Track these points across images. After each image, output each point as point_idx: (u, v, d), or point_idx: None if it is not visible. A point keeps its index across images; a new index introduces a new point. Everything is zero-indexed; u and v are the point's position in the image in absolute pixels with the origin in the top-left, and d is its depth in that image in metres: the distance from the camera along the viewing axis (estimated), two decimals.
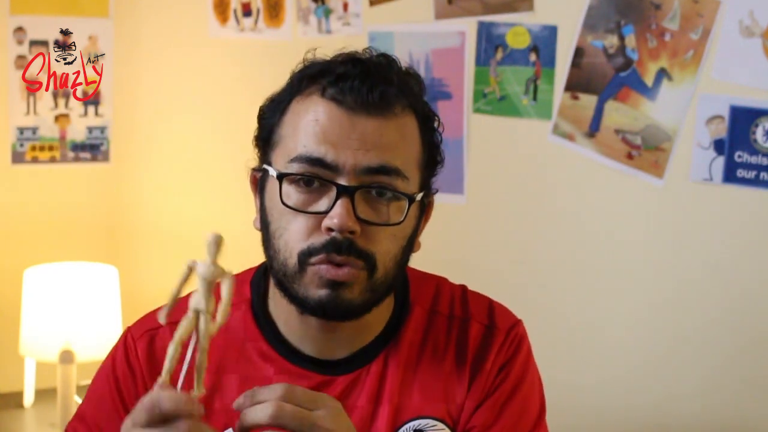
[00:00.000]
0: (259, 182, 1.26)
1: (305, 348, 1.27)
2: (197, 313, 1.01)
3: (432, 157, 1.28)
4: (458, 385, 1.29)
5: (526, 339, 1.35)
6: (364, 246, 1.18)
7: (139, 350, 1.28)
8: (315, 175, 1.18)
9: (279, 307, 1.27)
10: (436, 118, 1.29)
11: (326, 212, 1.17)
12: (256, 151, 1.28)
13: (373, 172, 1.18)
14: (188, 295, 1.34)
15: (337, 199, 1.17)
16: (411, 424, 1.26)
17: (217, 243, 0.99)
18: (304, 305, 1.20)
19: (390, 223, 1.20)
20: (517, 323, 1.35)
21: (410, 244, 1.26)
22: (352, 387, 1.26)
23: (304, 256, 1.18)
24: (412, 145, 1.23)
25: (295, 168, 1.19)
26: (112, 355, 1.31)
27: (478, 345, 1.31)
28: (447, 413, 1.28)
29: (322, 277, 1.17)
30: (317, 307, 1.19)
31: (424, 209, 1.29)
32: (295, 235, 1.18)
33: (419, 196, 1.23)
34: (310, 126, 1.19)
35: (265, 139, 1.25)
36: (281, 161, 1.21)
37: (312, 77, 1.22)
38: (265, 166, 1.24)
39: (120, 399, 1.27)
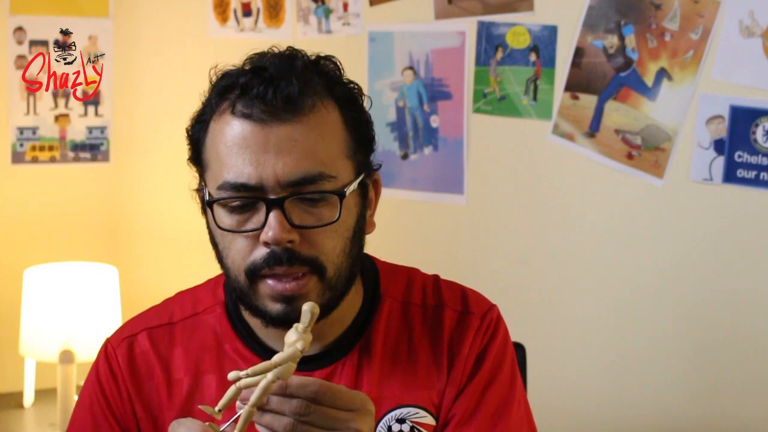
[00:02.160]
0: (201, 202, 1.28)
1: (278, 346, 1.28)
2: (276, 379, 1.04)
3: (363, 137, 1.27)
4: (437, 373, 1.30)
5: (502, 322, 1.36)
6: (306, 252, 1.19)
7: (120, 357, 1.31)
8: (242, 197, 1.20)
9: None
10: (360, 93, 1.28)
11: (262, 228, 1.19)
12: (193, 170, 1.29)
13: (296, 184, 1.19)
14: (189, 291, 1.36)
15: (268, 213, 1.18)
16: (393, 413, 1.28)
17: (312, 313, 1.06)
18: (264, 319, 1.22)
19: (325, 223, 1.20)
20: (491, 307, 1.36)
21: (359, 232, 1.26)
22: (330, 380, 1.27)
23: (251, 273, 1.20)
24: (333, 138, 1.22)
25: (223, 195, 1.20)
26: (96, 367, 1.33)
27: (453, 331, 1.32)
28: (429, 400, 1.29)
29: (272, 294, 1.20)
30: (278, 321, 1.21)
31: (367, 189, 1.29)
32: (238, 254, 1.21)
33: (353, 186, 1.23)
34: (228, 147, 1.20)
35: (196, 160, 1.27)
36: (211, 185, 1.23)
37: (221, 93, 1.23)
38: (203, 187, 1.26)
39: (108, 407, 1.30)
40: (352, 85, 1.27)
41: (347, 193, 1.22)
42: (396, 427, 1.27)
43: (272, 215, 1.18)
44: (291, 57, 1.24)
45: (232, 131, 1.20)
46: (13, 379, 2.68)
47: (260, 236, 1.19)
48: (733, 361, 2.23)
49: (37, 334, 2.48)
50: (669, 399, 2.29)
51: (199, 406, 1.11)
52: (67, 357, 2.44)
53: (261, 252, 1.19)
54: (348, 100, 1.26)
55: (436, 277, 1.38)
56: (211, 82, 1.27)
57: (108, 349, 1.32)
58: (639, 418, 2.33)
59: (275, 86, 1.19)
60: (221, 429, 1.07)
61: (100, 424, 1.30)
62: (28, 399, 2.64)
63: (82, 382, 2.56)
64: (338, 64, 1.27)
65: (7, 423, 2.59)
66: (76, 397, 2.50)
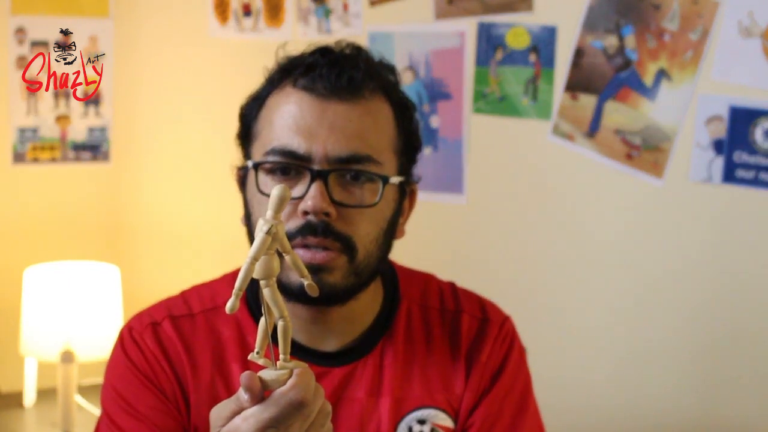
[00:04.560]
0: (241, 179, 1.30)
1: (299, 337, 1.29)
2: (267, 279, 0.96)
3: (410, 144, 1.30)
4: (455, 376, 1.31)
5: (517, 333, 1.39)
6: (341, 228, 1.20)
7: (148, 341, 1.30)
8: (288, 163, 1.21)
9: None
10: (414, 106, 1.32)
11: (302, 197, 1.20)
12: (239, 148, 1.32)
13: (343, 161, 1.21)
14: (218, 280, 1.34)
15: (311, 183, 1.20)
16: (414, 414, 1.28)
17: (284, 198, 0.95)
18: (287, 292, 1.22)
19: (365, 204, 1.22)
20: (507, 317, 1.38)
21: (391, 228, 1.28)
22: (349, 379, 1.29)
23: None
24: (384, 129, 1.25)
25: (269, 158, 1.22)
26: (122, 351, 1.31)
27: (472, 337, 1.33)
28: (447, 403, 1.31)
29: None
30: (300, 293, 1.19)
31: (405, 195, 1.31)
32: None
33: (396, 179, 1.26)
34: (283, 118, 1.23)
35: (245, 136, 1.29)
36: (258, 154, 1.25)
37: (285, 71, 1.26)
38: (246, 161, 1.28)
39: (145, 377, 1.28)
40: (405, 96, 1.31)
41: (390, 180, 1.24)
42: (417, 427, 1.28)
43: (314, 185, 1.19)
44: (358, 48, 1.28)
45: (289, 101, 1.23)
46: (13, 379, 2.68)
47: (299, 206, 1.19)
48: (734, 361, 2.23)
49: (37, 334, 2.48)
50: (669, 398, 2.29)
51: (249, 357, 1.02)
52: (67, 357, 2.44)
53: (297, 222, 1.20)
54: (402, 106, 1.29)
55: (452, 284, 1.40)
56: (276, 62, 1.29)
57: (134, 334, 1.31)
58: (641, 418, 2.33)
59: (340, 67, 1.23)
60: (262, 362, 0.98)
61: (140, 392, 1.27)
62: (29, 399, 2.64)
63: (83, 382, 2.57)
64: (397, 73, 1.32)
65: (7, 423, 2.59)
66: (77, 397, 2.51)
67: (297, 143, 1.20)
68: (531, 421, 1.34)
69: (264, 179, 1.23)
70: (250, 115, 1.29)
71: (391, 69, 1.31)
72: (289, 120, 1.22)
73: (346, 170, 1.21)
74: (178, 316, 1.32)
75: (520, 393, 1.33)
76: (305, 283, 0.98)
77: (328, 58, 1.24)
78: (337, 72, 1.22)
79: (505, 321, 1.37)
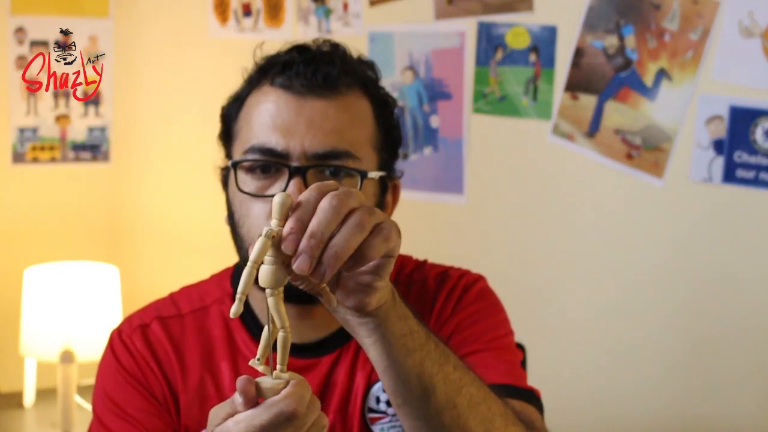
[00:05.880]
0: (224, 178, 1.32)
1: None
2: (273, 289, 0.94)
3: (390, 139, 1.31)
4: None
5: (482, 282, 1.38)
6: None
7: (137, 342, 1.31)
8: (267, 161, 1.22)
9: (256, 299, 1.31)
10: (393, 102, 1.32)
11: None
12: (221, 148, 1.33)
13: (321, 157, 1.21)
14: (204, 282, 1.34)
15: (289, 180, 1.20)
16: (380, 383, 1.29)
17: (284, 204, 0.92)
18: None
19: None
20: (467, 273, 1.38)
21: None
22: (335, 365, 1.31)
23: None
24: (362, 125, 1.26)
25: (248, 157, 1.23)
26: (111, 354, 1.33)
27: (432, 294, 1.35)
28: None
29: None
30: (284, 293, 1.20)
31: (386, 190, 1.32)
32: (254, 221, 1.22)
33: (375, 174, 1.26)
34: (261, 116, 1.24)
35: (226, 135, 1.31)
36: (238, 153, 1.26)
37: (263, 70, 1.28)
38: (228, 162, 1.29)
39: (134, 379, 1.30)
40: (384, 92, 1.32)
41: (369, 175, 1.24)
42: (384, 396, 1.29)
43: (293, 182, 1.20)
44: (334, 45, 1.29)
45: (267, 99, 1.24)
46: (13, 379, 2.68)
47: None
48: (731, 360, 2.23)
49: (37, 334, 2.48)
50: (667, 397, 2.29)
51: (249, 363, 1.02)
52: (67, 357, 2.44)
53: None
54: (381, 101, 1.30)
55: (425, 261, 1.42)
56: (254, 62, 1.30)
57: (123, 337, 1.32)
58: (637, 416, 2.33)
59: (316, 65, 1.23)
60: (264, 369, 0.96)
61: (130, 394, 1.29)
62: (29, 399, 2.64)
63: (83, 382, 2.57)
64: (377, 69, 1.32)
65: (7, 423, 2.59)
66: (76, 397, 2.51)
67: (275, 141, 1.21)
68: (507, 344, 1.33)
69: (243, 178, 1.24)
70: (230, 115, 1.30)
71: (370, 65, 1.32)
72: (267, 118, 1.23)
73: (324, 166, 1.21)
74: (167, 317, 1.33)
75: (481, 330, 1.32)
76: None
77: (304, 56, 1.25)
78: (313, 69, 1.23)
79: (464, 275, 1.37)
